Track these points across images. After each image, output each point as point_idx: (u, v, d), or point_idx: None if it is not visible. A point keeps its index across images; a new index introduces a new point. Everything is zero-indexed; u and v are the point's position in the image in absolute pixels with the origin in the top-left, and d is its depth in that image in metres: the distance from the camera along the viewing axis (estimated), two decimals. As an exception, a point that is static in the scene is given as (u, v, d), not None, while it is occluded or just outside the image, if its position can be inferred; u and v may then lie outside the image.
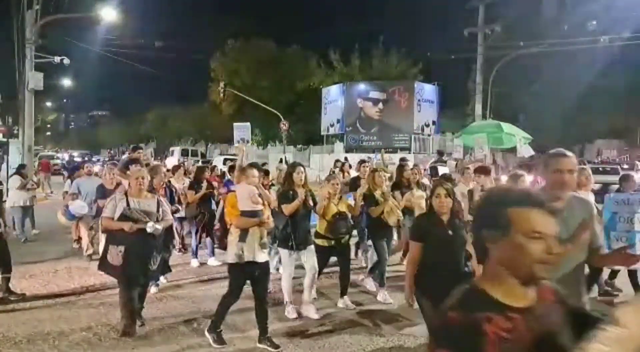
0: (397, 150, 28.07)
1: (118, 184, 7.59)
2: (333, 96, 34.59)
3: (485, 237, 1.59)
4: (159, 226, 5.33)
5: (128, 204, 5.27)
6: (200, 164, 15.29)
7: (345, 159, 29.09)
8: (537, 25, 27.78)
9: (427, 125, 32.90)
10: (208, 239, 9.00)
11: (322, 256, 6.36)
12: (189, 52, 49.53)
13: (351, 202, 6.92)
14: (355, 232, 7.94)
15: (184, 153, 40.81)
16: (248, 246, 5.10)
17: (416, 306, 4.33)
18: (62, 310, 6.31)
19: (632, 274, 6.83)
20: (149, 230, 5.21)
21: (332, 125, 34.57)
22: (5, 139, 25.30)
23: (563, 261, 2.57)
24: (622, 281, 7.00)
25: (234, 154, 37.87)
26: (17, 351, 5.08)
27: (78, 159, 41.10)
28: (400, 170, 8.27)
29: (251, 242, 5.13)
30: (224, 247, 5.71)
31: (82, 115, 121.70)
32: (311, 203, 6.28)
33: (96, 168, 14.74)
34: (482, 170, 7.17)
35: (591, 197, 5.80)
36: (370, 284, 7.24)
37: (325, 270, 6.93)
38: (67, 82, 36.80)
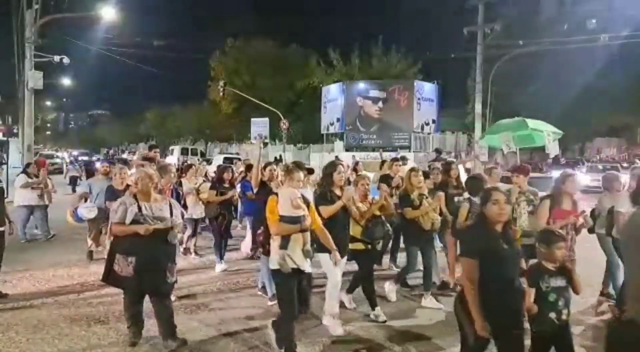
0: (397, 149, 28.06)
1: (128, 185, 7.43)
2: (333, 95, 34.59)
3: None
4: (179, 235, 4.87)
5: (140, 209, 4.79)
6: (201, 163, 15.00)
7: (337, 158, 29.10)
8: (536, 24, 27.78)
9: (427, 124, 32.91)
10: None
11: (362, 260, 6.03)
12: (188, 51, 49.59)
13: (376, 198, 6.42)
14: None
15: (184, 152, 40.83)
16: (291, 253, 4.70)
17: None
18: (61, 309, 6.31)
19: None
20: (171, 241, 4.78)
21: (331, 124, 34.58)
22: (5, 138, 25.27)
23: None
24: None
25: (235, 153, 37.96)
26: (16, 350, 5.08)
27: (81, 158, 41.13)
28: (446, 169, 7.86)
29: (294, 249, 4.72)
30: (266, 252, 5.34)
31: (81, 114, 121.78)
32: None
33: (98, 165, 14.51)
34: (521, 170, 6.68)
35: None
36: (345, 298, 6.55)
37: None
38: (66, 81, 36.78)
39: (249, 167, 9.21)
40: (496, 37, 26.14)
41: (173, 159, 38.23)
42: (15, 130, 30.41)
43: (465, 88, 33.26)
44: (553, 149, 11.25)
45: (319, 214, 5.35)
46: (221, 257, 8.39)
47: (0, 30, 24.82)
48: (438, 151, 17.64)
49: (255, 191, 6.92)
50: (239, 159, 28.23)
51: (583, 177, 23.71)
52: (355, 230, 5.98)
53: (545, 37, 25.42)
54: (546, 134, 10.77)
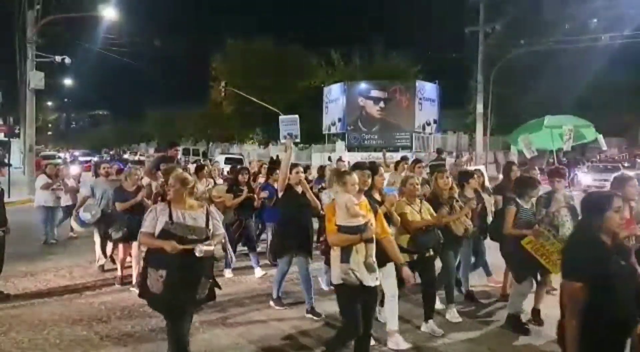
0: (398, 149, 28.04)
1: (139, 187, 7.28)
2: (334, 95, 34.58)
3: None
4: (210, 247, 4.17)
5: (171, 217, 4.17)
6: (213, 163, 14.52)
7: (329, 158, 29.04)
8: (538, 24, 27.75)
9: (428, 124, 32.89)
10: (246, 248, 8.31)
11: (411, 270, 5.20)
12: (190, 52, 49.66)
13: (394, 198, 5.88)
14: None
15: (185, 152, 40.78)
16: (353, 267, 4.25)
17: None
18: (63, 309, 6.30)
19: None
20: (197, 254, 4.11)
21: (333, 124, 34.56)
22: (6, 139, 25.29)
23: None
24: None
25: (238, 154, 37.97)
26: (18, 350, 5.07)
27: (81, 159, 41.08)
28: (507, 170, 7.31)
29: (356, 262, 4.26)
30: (328, 263, 4.86)
31: (83, 114, 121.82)
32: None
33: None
34: (558, 174, 6.02)
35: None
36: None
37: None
38: (68, 81, 36.82)
39: (271, 170, 8.76)
40: (497, 37, 26.14)
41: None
42: (16, 131, 30.46)
43: (466, 88, 33.24)
44: (601, 143, 11.07)
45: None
46: (257, 262, 8.01)
47: (1, 31, 24.87)
48: (439, 151, 17.62)
49: (280, 195, 6.34)
50: (241, 160, 28.32)
51: (584, 176, 23.66)
52: (401, 239, 5.42)
53: (547, 37, 25.40)
54: (565, 131, 10.33)
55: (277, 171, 7.41)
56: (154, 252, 4.19)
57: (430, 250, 5.51)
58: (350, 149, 31.34)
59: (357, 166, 5.08)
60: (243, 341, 5.40)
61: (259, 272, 7.87)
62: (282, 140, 6.70)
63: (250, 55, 42.46)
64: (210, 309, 5.94)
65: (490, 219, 6.83)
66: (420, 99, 32.22)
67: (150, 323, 5.81)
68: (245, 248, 8.40)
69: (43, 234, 10.53)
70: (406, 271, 4.69)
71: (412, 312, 6.01)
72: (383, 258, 4.72)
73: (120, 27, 25.69)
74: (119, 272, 7.41)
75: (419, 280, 5.57)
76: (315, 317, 6.01)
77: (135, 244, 7.04)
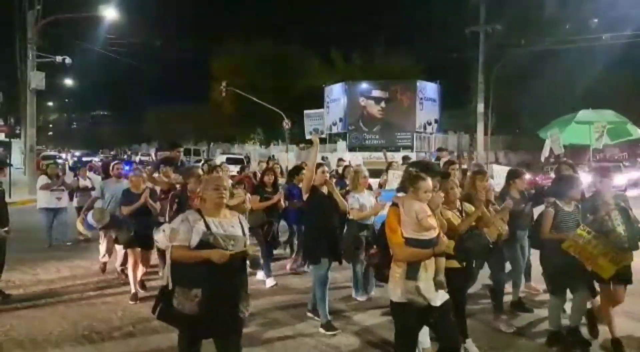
0: (399, 149, 28.01)
1: (151, 189, 7.03)
2: (335, 95, 34.55)
3: None
4: (261, 261, 3.88)
5: (208, 227, 3.66)
6: (221, 164, 14.11)
7: (323, 158, 28.96)
8: (539, 24, 27.73)
9: (429, 124, 32.86)
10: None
11: (457, 280, 4.59)
12: (190, 52, 49.60)
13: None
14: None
15: (186, 152, 40.79)
16: (421, 284, 3.77)
17: None
18: (64, 309, 6.29)
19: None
20: (254, 268, 3.76)
21: (334, 124, 34.52)
22: (7, 139, 25.29)
23: None
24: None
25: (238, 154, 37.95)
26: (20, 349, 5.06)
27: (82, 159, 41.06)
28: (559, 170, 6.79)
29: (424, 279, 3.78)
30: (383, 279, 4.24)
31: (84, 115, 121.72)
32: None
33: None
34: (602, 172, 5.62)
35: None
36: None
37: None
38: (68, 82, 36.84)
39: (296, 170, 8.39)
40: (498, 37, 26.12)
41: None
42: (17, 131, 30.47)
43: (467, 88, 33.21)
44: (599, 142, 10.05)
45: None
46: (269, 271, 7.44)
47: (2, 31, 24.86)
48: (440, 150, 17.60)
49: (305, 197, 5.86)
50: (242, 160, 28.29)
51: (585, 176, 23.59)
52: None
53: (548, 37, 25.38)
54: (595, 128, 9.88)
55: (303, 172, 7.19)
56: (185, 268, 3.58)
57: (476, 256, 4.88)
58: (351, 149, 31.30)
59: (427, 167, 4.50)
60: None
61: (269, 282, 7.28)
62: (308, 136, 6.56)
63: (251, 55, 42.46)
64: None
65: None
66: (421, 98, 32.19)
67: (152, 323, 5.78)
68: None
69: (47, 238, 10.27)
70: None
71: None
72: None
73: (120, 27, 25.69)
74: (132, 289, 6.66)
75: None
76: (316, 318, 5.72)
77: (144, 252, 6.81)
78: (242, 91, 34.30)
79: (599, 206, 5.07)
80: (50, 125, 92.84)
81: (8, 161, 18.93)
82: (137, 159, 45.47)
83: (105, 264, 8.01)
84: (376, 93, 32.47)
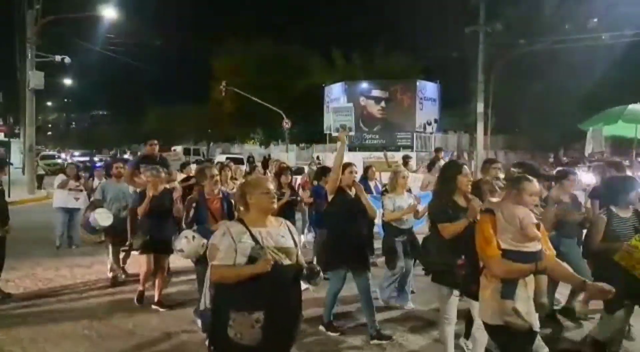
0: (399, 149, 28.00)
1: (164, 191, 6.41)
2: (335, 95, 34.53)
3: None
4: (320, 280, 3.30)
5: (256, 240, 3.12)
6: (227, 163, 13.39)
7: (317, 158, 28.90)
8: (538, 24, 27.72)
9: (429, 124, 32.84)
10: None
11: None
12: (190, 51, 49.63)
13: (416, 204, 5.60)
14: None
15: (186, 152, 40.78)
16: (520, 305, 3.20)
17: None
18: (64, 308, 6.28)
19: None
20: (312, 288, 3.35)
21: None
22: (6, 139, 25.27)
23: None
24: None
25: (237, 153, 37.94)
26: (19, 349, 5.04)
27: (81, 159, 40.99)
28: (603, 170, 6.39)
29: (523, 300, 3.22)
30: (470, 295, 3.80)
31: (83, 115, 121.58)
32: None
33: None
34: None
35: None
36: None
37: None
38: (68, 81, 36.82)
39: (324, 170, 7.84)
40: (498, 37, 26.10)
41: (174, 159, 38.24)
42: (16, 131, 30.45)
43: (467, 87, 33.22)
44: None
45: (437, 232, 4.05)
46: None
47: (1, 30, 24.83)
48: (437, 151, 17.58)
49: (330, 198, 5.40)
50: (242, 160, 28.23)
51: (585, 175, 23.58)
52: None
53: (548, 36, 25.38)
54: None
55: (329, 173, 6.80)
56: (239, 288, 3.04)
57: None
58: (351, 148, 31.27)
59: (531, 169, 4.04)
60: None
61: None
62: (335, 133, 6.01)
63: (251, 55, 42.46)
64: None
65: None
66: (421, 98, 32.18)
67: (151, 322, 5.79)
68: None
69: (58, 238, 9.93)
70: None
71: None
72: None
73: (120, 26, 25.66)
74: (140, 287, 6.45)
75: None
76: (383, 342, 5.13)
77: (162, 258, 6.40)
78: (242, 91, 34.31)
79: None
80: (50, 125, 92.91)
81: (8, 160, 18.90)
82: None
83: (115, 278, 7.44)
84: (376, 93, 32.45)
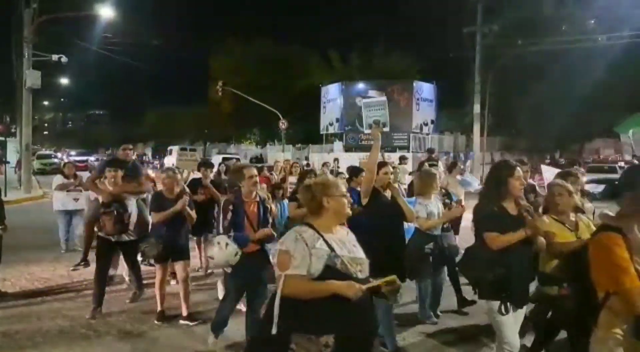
0: (395, 149, 28.03)
1: (180, 194, 5.90)
2: (332, 95, 34.55)
3: None
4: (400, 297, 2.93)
5: (331, 247, 2.75)
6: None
7: (306, 158, 28.82)
8: (536, 25, 27.79)
9: (426, 124, 32.85)
10: None
11: (558, 310, 3.92)
12: (188, 51, 49.59)
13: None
14: None
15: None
16: None
17: None
18: (61, 307, 6.27)
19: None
20: (393, 301, 2.95)
21: (331, 124, 34.51)
22: (2, 138, 25.19)
23: None
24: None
25: (233, 154, 37.94)
26: (16, 347, 5.04)
27: (76, 158, 40.88)
28: None
29: None
30: (582, 332, 3.18)
31: (80, 114, 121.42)
32: None
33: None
34: None
35: None
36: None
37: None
38: (64, 81, 36.72)
39: (356, 170, 7.88)
40: (495, 38, 26.17)
41: (172, 159, 38.16)
42: (13, 130, 30.40)
43: (464, 88, 33.29)
44: None
45: (482, 242, 3.62)
46: None
47: (-2, 30, 24.74)
48: (430, 151, 17.61)
49: (364, 201, 4.84)
50: (238, 160, 28.22)
51: (580, 177, 23.58)
52: (549, 265, 4.03)
53: (545, 37, 25.46)
54: None
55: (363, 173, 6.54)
56: (307, 306, 2.63)
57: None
58: (347, 149, 31.31)
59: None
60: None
61: None
62: (367, 130, 5.27)
63: (250, 55, 42.48)
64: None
65: None
66: (417, 99, 32.19)
67: (148, 321, 5.80)
68: None
69: (62, 243, 9.66)
70: None
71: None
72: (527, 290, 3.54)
73: (117, 26, 25.61)
74: (158, 306, 5.83)
75: None
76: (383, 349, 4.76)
77: (180, 266, 5.83)
78: (239, 91, 34.31)
79: None
80: (46, 125, 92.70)
81: (4, 159, 18.89)
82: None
83: (112, 277, 7.02)
84: (373, 93, 32.47)
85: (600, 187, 11.94)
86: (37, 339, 5.23)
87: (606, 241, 2.68)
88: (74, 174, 9.60)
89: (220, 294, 6.03)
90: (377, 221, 4.63)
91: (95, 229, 6.23)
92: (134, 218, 6.07)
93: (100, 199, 6.22)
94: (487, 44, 26.31)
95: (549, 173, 7.55)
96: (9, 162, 20.01)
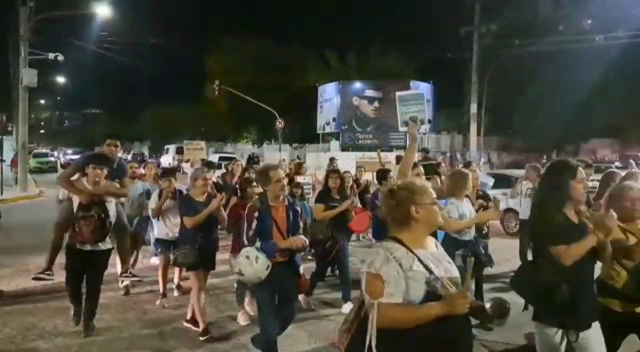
0: (392, 149, 28.06)
1: (209, 196, 5.50)
2: (329, 94, 34.56)
3: None
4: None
5: (427, 268, 2.35)
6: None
7: (298, 157, 28.74)
8: (533, 25, 27.84)
9: (422, 124, 32.90)
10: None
11: (614, 336, 3.32)
12: (185, 50, 49.52)
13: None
14: None
15: (179, 151, 40.64)
16: None
17: None
18: (57, 305, 6.25)
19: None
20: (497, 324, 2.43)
21: (328, 124, 34.53)
22: (-1, 136, 25.10)
23: None
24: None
25: (230, 153, 37.89)
26: (12, 345, 5.04)
27: (73, 157, 40.78)
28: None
29: None
30: None
31: (76, 113, 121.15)
32: None
33: None
34: None
35: None
36: None
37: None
38: (61, 79, 36.65)
39: (384, 173, 7.05)
40: (492, 38, 26.21)
41: (168, 158, 38.15)
42: (9, 129, 30.30)
43: (461, 88, 33.36)
44: None
45: (546, 254, 3.06)
46: (348, 296, 6.09)
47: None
48: (425, 151, 17.63)
49: None
50: (235, 159, 28.18)
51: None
52: (619, 278, 3.47)
53: (542, 38, 25.53)
54: None
55: (390, 175, 6.39)
56: (403, 338, 2.28)
57: None
58: (344, 148, 31.34)
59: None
60: None
61: (347, 307, 5.48)
62: (401, 127, 4.68)
63: (247, 54, 42.45)
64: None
65: None
66: (415, 99, 32.27)
67: (144, 318, 5.81)
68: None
69: None
70: None
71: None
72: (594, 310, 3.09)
73: (115, 24, 25.57)
74: (201, 325, 5.29)
75: None
76: None
77: (205, 275, 5.48)
78: (236, 90, 34.29)
79: None
80: (42, 123, 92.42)
81: (0, 158, 18.82)
82: (129, 157, 45.19)
83: (127, 288, 6.72)
84: (370, 93, 32.48)
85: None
86: (32, 337, 5.23)
87: None
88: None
89: (242, 319, 5.70)
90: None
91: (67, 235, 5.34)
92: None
93: (76, 200, 5.21)
94: (485, 44, 26.34)
95: None
96: (4, 161, 19.92)
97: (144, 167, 8.46)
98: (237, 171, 9.09)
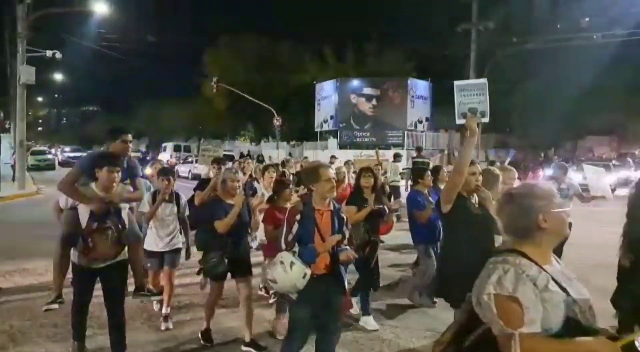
0: (390, 147, 28.10)
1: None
2: (327, 92, 34.58)
3: None
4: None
5: (565, 291, 1.99)
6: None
7: (290, 154, 28.66)
8: (531, 23, 27.89)
9: (420, 122, 32.97)
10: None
11: None
12: (182, 47, 49.45)
13: None
14: None
15: (177, 149, 40.68)
16: None
17: None
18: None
19: None
20: None
21: (325, 122, 34.57)
22: (-3, 134, 25.11)
23: None
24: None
25: (227, 150, 37.86)
26: (11, 343, 5.06)
27: (71, 155, 40.73)
28: None
29: None
30: None
31: (74, 110, 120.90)
32: None
33: None
34: None
35: None
36: None
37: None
38: (58, 77, 36.61)
39: (418, 171, 6.72)
40: (490, 35, 26.24)
41: (166, 156, 38.13)
42: (7, 126, 30.28)
43: (459, 86, 33.40)
44: None
45: None
46: (367, 308, 5.62)
47: (-9, 25, 24.61)
48: (419, 149, 17.70)
49: (445, 208, 4.10)
50: (232, 157, 28.19)
51: (575, 175, 23.75)
52: None
53: (540, 35, 25.57)
54: None
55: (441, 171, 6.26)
56: None
57: None
58: (342, 146, 31.37)
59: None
60: None
61: (371, 323, 5.41)
62: (458, 120, 4.11)
63: (244, 52, 42.40)
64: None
65: None
66: (412, 96, 32.30)
67: (142, 316, 5.82)
68: None
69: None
70: None
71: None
72: None
73: (112, 22, 25.53)
74: (205, 323, 5.14)
75: None
76: None
77: (243, 283, 5.00)
78: (234, 87, 34.28)
79: None
80: (40, 121, 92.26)
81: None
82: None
83: (167, 316, 5.74)
84: (367, 90, 32.53)
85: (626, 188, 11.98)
86: (31, 334, 5.26)
87: None
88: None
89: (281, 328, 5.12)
90: (460, 230, 4.02)
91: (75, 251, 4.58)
92: None
93: (83, 209, 4.35)
94: (482, 41, 26.36)
95: (590, 173, 6.58)
96: (8, 162, 19.94)
97: (150, 166, 8.26)
98: (248, 170, 8.95)
